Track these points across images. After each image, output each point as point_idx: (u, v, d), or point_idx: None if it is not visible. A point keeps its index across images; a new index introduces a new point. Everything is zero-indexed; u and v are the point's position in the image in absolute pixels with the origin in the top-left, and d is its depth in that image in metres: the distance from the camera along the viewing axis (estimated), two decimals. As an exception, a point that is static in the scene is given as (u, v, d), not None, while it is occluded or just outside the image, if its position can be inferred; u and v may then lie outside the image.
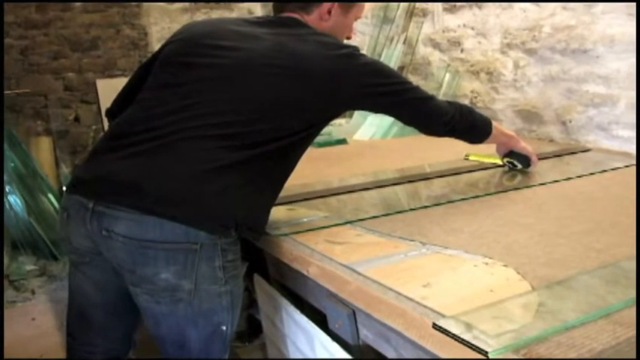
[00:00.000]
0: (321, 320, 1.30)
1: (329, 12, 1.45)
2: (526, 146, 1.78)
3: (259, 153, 1.24)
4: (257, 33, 1.34)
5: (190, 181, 1.18)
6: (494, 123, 1.64)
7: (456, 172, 1.79)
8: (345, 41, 1.50)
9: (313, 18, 1.42)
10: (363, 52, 2.14)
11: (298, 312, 1.40)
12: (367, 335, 1.15)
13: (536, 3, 2.35)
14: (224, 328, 1.26)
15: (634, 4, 1.98)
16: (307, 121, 1.31)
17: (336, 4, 1.46)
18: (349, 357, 1.22)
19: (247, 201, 1.24)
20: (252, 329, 1.97)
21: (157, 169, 1.20)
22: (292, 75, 1.28)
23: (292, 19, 1.40)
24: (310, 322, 1.35)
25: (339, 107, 1.39)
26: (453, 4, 2.76)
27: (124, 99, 1.44)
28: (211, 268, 1.20)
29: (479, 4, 2.61)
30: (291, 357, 1.50)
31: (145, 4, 4.18)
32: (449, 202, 1.54)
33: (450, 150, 2.17)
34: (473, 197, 1.56)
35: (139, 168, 1.20)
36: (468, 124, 1.55)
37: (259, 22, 1.40)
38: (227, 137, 1.22)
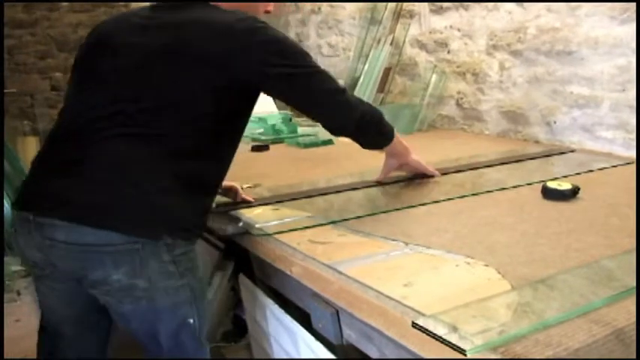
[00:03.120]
0: (305, 320, 1.31)
1: None
2: (419, 161, 1.75)
3: (181, 152, 1.21)
4: (154, 22, 1.30)
5: (115, 189, 1.17)
6: (396, 134, 1.59)
7: (442, 173, 1.80)
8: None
9: None
10: (350, 53, 2.13)
11: (283, 312, 1.41)
12: (350, 335, 1.16)
13: (521, 5, 2.36)
14: (191, 321, 1.25)
15: (617, 6, 2.00)
16: (219, 111, 1.26)
17: None
18: (333, 357, 1.22)
19: (177, 205, 1.21)
20: (237, 329, 1.97)
21: (81, 180, 1.19)
22: (189, 62, 1.23)
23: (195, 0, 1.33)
24: (294, 321, 1.36)
25: (245, 91, 1.30)
26: (439, 5, 2.78)
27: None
28: (161, 264, 1.19)
29: (465, 5, 2.63)
30: (276, 357, 1.51)
31: (132, 4, 4.16)
32: (434, 202, 1.54)
33: (436, 151, 2.18)
34: (458, 197, 1.57)
35: (66, 179, 1.20)
36: (374, 130, 1.50)
37: (160, 7, 1.34)
38: (145, 139, 1.20)
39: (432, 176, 1.77)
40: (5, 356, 2.18)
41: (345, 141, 2.28)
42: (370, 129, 1.49)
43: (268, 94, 1.38)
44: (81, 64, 1.37)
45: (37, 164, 1.29)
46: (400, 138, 1.63)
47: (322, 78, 1.36)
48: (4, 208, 3.27)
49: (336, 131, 1.49)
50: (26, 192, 1.28)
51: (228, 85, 1.25)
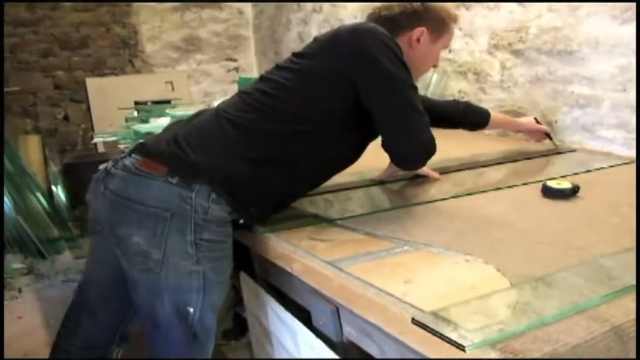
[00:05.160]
0: (305, 318, 1.31)
1: (418, 40, 1.46)
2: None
3: (272, 127, 1.31)
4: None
5: (183, 151, 1.27)
6: None
7: (442, 172, 1.81)
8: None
9: (400, 44, 1.38)
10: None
11: (283, 309, 1.41)
12: (350, 332, 1.16)
13: (522, 4, 2.36)
14: (190, 309, 1.25)
15: (618, 6, 2.00)
16: (326, 110, 1.34)
17: (426, 31, 1.46)
18: (333, 354, 1.23)
19: (234, 162, 1.28)
20: (238, 327, 1.98)
21: (170, 142, 1.30)
22: (302, 70, 1.35)
23: None
24: (295, 319, 1.36)
25: (351, 96, 1.34)
26: (441, 5, 2.78)
27: None
28: (182, 242, 1.21)
29: (466, 4, 2.63)
30: (276, 355, 1.51)
31: (135, 3, 4.18)
32: (434, 200, 1.55)
33: (437, 150, 2.18)
34: (458, 196, 1.57)
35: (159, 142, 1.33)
36: (424, 160, 1.50)
37: None
38: (244, 125, 1.31)
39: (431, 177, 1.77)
40: (7, 353, 2.20)
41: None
42: (423, 158, 1.48)
43: (364, 99, 1.35)
44: None
45: None
46: None
47: (414, 93, 1.37)
48: (4, 208, 3.28)
49: (406, 157, 1.45)
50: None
51: (332, 79, 1.33)
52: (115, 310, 1.40)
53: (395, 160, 1.49)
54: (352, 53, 1.32)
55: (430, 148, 1.43)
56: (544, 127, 2.16)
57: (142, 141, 1.35)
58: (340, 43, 1.34)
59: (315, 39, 1.42)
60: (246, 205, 1.31)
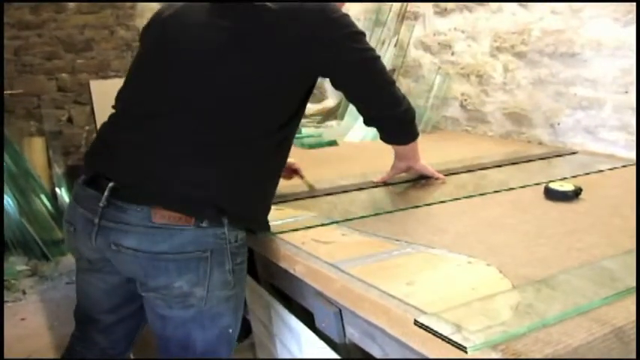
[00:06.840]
0: (308, 319, 1.31)
1: None
2: (426, 166, 1.74)
3: (241, 139, 1.23)
4: (218, 13, 1.28)
5: (167, 168, 1.20)
6: None
7: (445, 174, 1.81)
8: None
9: None
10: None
11: (287, 311, 1.41)
12: (353, 334, 1.16)
13: (524, 7, 2.37)
14: (230, 331, 1.28)
15: (620, 8, 2.00)
16: (282, 101, 1.27)
17: None
18: (336, 356, 1.23)
19: (229, 187, 1.22)
20: (241, 329, 1.97)
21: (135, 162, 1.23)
22: (255, 51, 1.22)
23: None
24: (298, 321, 1.36)
25: (310, 74, 1.30)
26: (443, 7, 2.78)
27: None
28: (223, 273, 1.21)
29: (469, 6, 2.64)
30: (280, 356, 1.52)
31: (138, 5, 4.18)
32: (436, 202, 1.55)
33: (439, 153, 2.19)
34: (460, 198, 1.58)
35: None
36: (408, 127, 1.53)
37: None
38: (204, 125, 1.21)
39: (436, 178, 1.78)
40: (10, 354, 2.20)
41: (348, 142, 2.31)
42: (405, 125, 1.51)
43: (332, 77, 1.34)
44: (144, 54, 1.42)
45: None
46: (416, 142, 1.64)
47: (383, 65, 1.37)
48: (4, 207, 3.29)
49: (379, 120, 1.47)
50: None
51: (298, 71, 1.26)
52: (131, 325, 1.41)
53: (382, 133, 1.53)
54: (330, 50, 1.26)
55: (412, 114, 1.48)
56: (293, 162, 1.73)
57: (113, 184, 1.19)
58: (306, 38, 1.23)
59: (251, 26, 1.23)
60: (256, 218, 1.32)
